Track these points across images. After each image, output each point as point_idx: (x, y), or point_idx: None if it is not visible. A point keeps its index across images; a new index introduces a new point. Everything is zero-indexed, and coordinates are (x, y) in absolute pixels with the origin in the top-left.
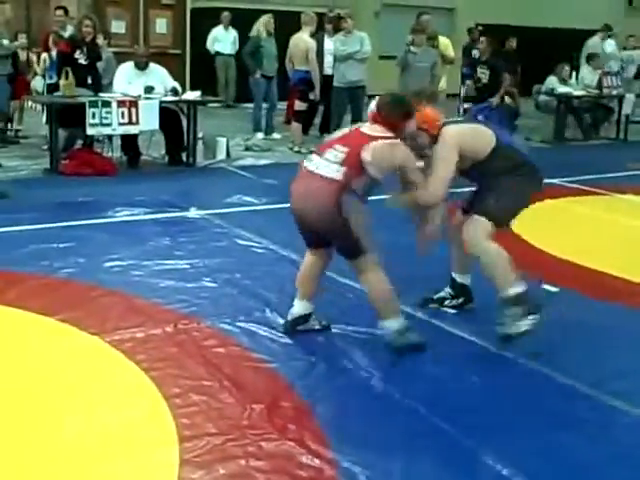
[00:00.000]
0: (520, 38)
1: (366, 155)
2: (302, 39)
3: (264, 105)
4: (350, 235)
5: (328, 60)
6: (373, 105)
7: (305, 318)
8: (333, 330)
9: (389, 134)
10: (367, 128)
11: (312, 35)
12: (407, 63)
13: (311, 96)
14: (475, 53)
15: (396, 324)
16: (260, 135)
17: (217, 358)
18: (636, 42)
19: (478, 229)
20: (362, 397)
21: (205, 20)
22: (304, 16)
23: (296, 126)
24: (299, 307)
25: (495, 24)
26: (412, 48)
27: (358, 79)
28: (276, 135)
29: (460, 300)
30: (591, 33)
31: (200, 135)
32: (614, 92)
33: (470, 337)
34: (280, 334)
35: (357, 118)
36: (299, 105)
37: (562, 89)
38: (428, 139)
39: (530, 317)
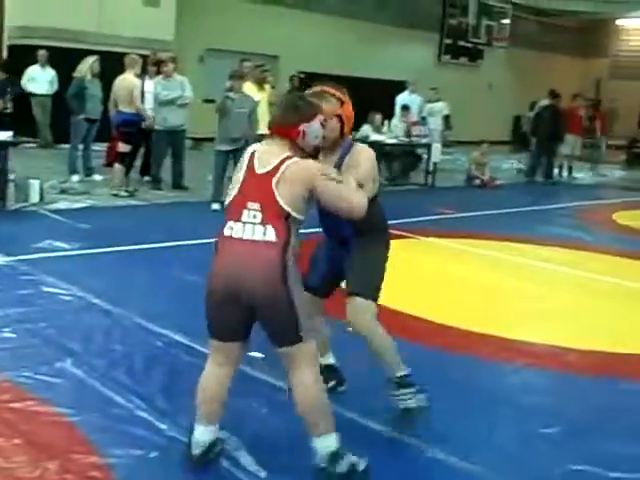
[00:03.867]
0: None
1: (279, 198)
2: (128, 79)
3: (80, 147)
4: (292, 312)
5: (149, 102)
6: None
7: (215, 444)
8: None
9: (285, 151)
10: (258, 160)
11: (136, 77)
12: (226, 108)
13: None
14: None
15: (334, 443)
16: (76, 177)
17: (11, 414)
18: (437, 95)
19: (367, 313)
20: (168, 452)
21: (23, 58)
22: (128, 58)
23: (119, 168)
24: (207, 433)
25: (316, 72)
26: (230, 94)
27: (179, 123)
28: (97, 177)
29: (331, 384)
30: (404, 84)
31: (11, 177)
32: (423, 140)
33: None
34: (82, 385)
35: (178, 161)
36: (123, 147)
37: (375, 137)
38: (337, 132)
39: (420, 395)
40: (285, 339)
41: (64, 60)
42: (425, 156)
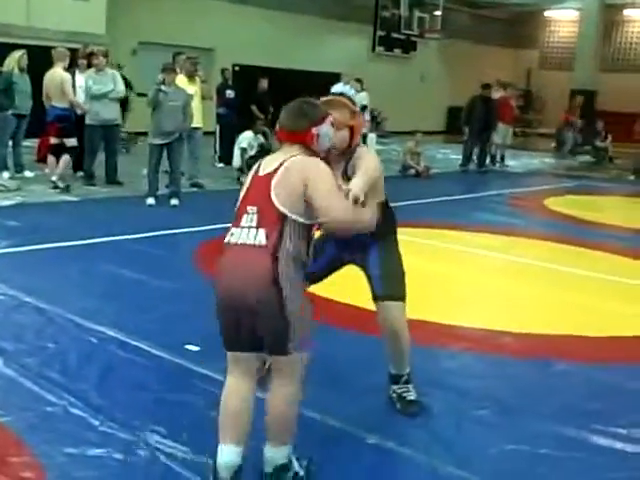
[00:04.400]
0: (274, 79)
1: (275, 198)
2: (58, 73)
3: (9, 143)
4: (284, 320)
5: (80, 96)
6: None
7: (242, 466)
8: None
9: (295, 152)
10: (264, 164)
11: (65, 70)
12: (158, 102)
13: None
14: (229, 93)
15: (287, 455)
16: (6, 174)
17: None
18: (360, 86)
19: (403, 314)
20: (104, 448)
21: None
22: (55, 52)
23: (66, 159)
24: (236, 455)
25: (251, 65)
26: (163, 87)
27: (112, 117)
28: (28, 173)
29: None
30: (339, 76)
31: None
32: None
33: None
34: (13, 384)
35: (111, 156)
36: (70, 142)
37: None
38: (346, 143)
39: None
40: (274, 348)
41: None
42: None
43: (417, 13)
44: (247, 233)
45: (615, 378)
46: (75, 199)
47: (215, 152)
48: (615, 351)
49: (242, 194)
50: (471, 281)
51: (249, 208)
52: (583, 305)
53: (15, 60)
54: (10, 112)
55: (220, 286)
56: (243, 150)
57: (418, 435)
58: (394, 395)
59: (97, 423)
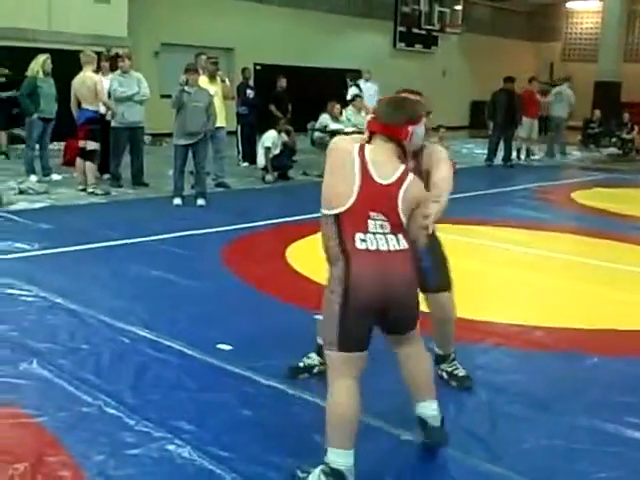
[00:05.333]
0: (295, 77)
1: (400, 210)
2: (89, 77)
3: (36, 146)
4: (417, 301)
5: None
6: (369, 116)
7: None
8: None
9: (395, 158)
10: (374, 167)
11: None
12: (182, 103)
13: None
14: (250, 93)
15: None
16: (34, 178)
17: None
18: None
19: (454, 304)
20: (139, 447)
21: None
22: (84, 56)
23: (90, 166)
24: (351, 457)
25: (272, 64)
26: (186, 88)
27: (137, 120)
28: (55, 176)
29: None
30: (360, 73)
31: None
32: None
33: None
34: (48, 385)
35: (137, 157)
36: (91, 145)
37: (334, 126)
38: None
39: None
40: (413, 324)
41: (15, 60)
42: None
43: (437, 8)
44: (384, 239)
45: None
46: (103, 201)
47: (238, 152)
48: (631, 343)
49: (353, 194)
50: (500, 276)
51: (373, 214)
52: (613, 298)
53: (39, 64)
54: (36, 116)
55: (368, 291)
56: (267, 149)
57: (452, 431)
58: (444, 374)
59: (132, 423)
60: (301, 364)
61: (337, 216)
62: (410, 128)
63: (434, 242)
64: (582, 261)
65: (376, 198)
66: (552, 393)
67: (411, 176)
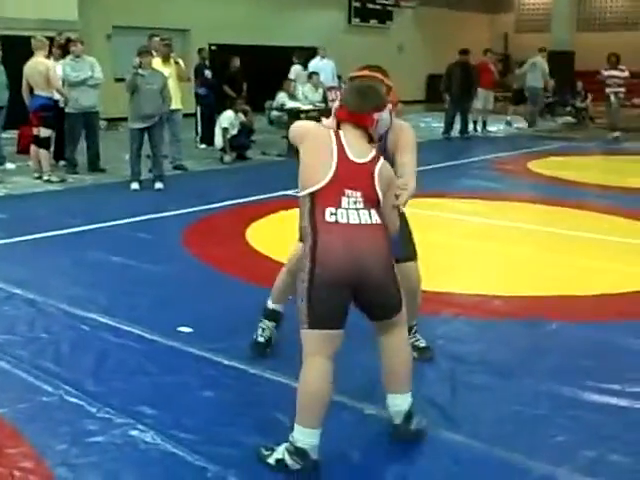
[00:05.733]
0: (251, 57)
1: (377, 186)
2: (41, 62)
3: None
4: (397, 283)
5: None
6: (336, 103)
7: None
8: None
9: (365, 142)
10: (349, 147)
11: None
12: (136, 86)
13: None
14: (207, 73)
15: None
16: None
17: None
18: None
19: (419, 274)
20: (102, 435)
21: None
22: (35, 41)
23: (44, 153)
24: (318, 437)
25: (228, 44)
26: (140, 71)
27: (92, 104)
28: (10, 165)
29: (277, 324)
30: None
31: None
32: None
33: None
34: (7, 376)
35: (93, 144)
36: (44, 132)
37: (291, 104)
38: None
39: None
40: (396, 308)
41: None
42: None
43: None
44: (356, 214)
45: (607, 335)
46: (59, 188)
47: (197, 133)
48: (605, 309)
49: (329, 172)
50: (459, 247)
51: (348, 191)
52: (572, 265)
53: None
54: None
55: (335, 263)
56: (225, 130)
57: (414, 402)
58: None
59: (94, 410)
60: (261, 339)
61: (312, 195)
62: (376, 115)
63: (402, 222)
64: (540, 229)
65: (352, 175)
66: (512, 361)
67: (382, 159)
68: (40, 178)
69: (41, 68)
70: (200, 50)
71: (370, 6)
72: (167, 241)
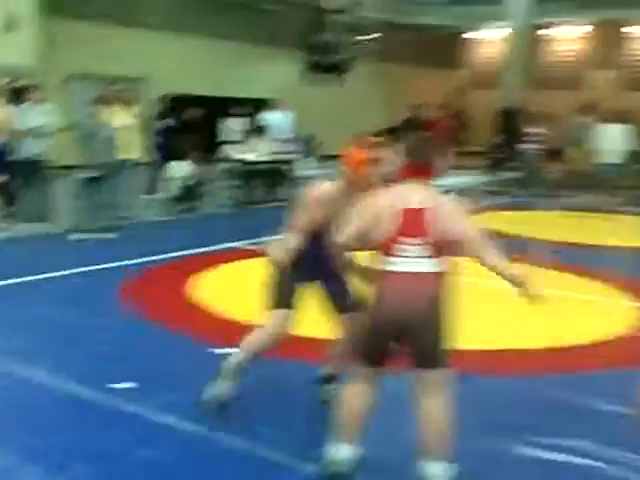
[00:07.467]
0: (207, 107)
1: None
2: None
3: None
4: (444, 334)
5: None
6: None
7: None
8: None
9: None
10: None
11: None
12: (90, 134)
13: None
14: (164, 123)
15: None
16: None
17: None
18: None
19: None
20: None
21: None
22: None
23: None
24: (351, 451)
25: (185, 94)
26: (94, 120)
27: (40, 152)
28: None
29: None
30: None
31: None
32: (286, 157)
33: None
34: None
35: (39, 193)
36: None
37: (239, 156)
38: None
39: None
40: (434, 362)
41: None
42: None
43: (347, 38)
44: (420, 262)
45: (530, 388)
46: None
47: (151, 182)
48: (529, 362)
49: (394, 225)
50: None
51: (409, 240)
52: (499, 319)
53: None
54: None
55: (394, 308)
56: (176, 180)
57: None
58: (328, 394)
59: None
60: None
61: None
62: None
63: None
64: (472, 281)
65: (409, 224)
66: None
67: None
68: None
69: None
70: (158, 99)
71: (325, 60)
72: (106, 293)
